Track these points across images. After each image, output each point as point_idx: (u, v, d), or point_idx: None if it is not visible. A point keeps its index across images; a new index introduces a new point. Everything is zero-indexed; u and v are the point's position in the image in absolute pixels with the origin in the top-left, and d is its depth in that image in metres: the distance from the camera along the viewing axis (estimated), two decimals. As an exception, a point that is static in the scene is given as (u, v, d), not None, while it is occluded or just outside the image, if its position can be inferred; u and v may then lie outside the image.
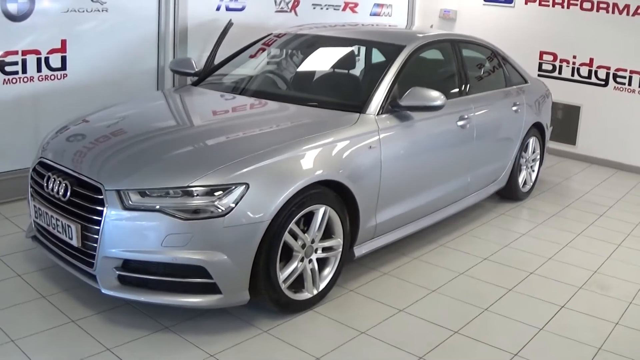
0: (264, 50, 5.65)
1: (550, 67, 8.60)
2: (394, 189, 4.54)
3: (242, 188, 3.55)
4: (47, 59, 5.74)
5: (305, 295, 4.00)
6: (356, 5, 8.71)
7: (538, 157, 6.78)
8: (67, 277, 4.08)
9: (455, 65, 5.52)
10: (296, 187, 3.71)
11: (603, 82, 8.24)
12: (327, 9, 8.31)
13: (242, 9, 7.35)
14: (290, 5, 7.86)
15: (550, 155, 8.46)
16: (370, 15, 8.99)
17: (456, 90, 5.48)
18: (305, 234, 3.87)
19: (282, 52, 5.66)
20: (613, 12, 8.05)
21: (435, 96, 4.54)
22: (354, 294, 4.33)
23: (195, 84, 5.36)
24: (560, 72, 8.53)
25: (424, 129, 4.84)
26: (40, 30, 5.61)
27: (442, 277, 4.68)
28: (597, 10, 8.12)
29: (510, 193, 6.46)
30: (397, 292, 4.40)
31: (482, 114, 5.57)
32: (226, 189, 3.53)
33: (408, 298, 4.31)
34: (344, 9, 8.54)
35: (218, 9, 7.11)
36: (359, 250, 4.42)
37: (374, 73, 4.90)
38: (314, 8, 8.15)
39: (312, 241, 3.94)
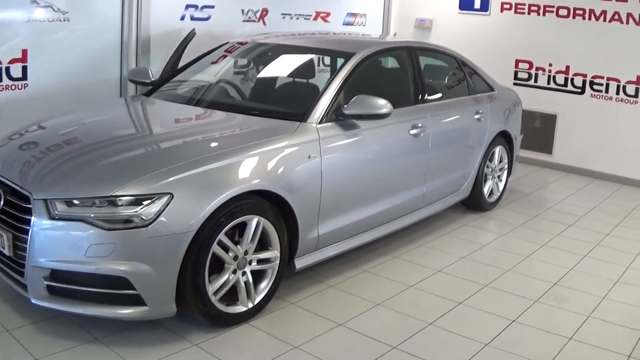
0: (220, 59, 5.53)
1: (526, 76, 8.47)
2: (337, 200, 4.40)
3: (165, 198, 3.43)
4: (7, 69, 5.66)
5: (239, 308, 3.86)
6: (328, 14, 8.60)
7: (506, 166, 6.60)
8: (7, 287, 3.95)
9: (411, 73, 5.38)
10: (223, 198, 3.58)
11: (579, 90, 8.11)
12: (297, 18, 8.20)
13: (207, 19, 7.25)
14: (258, 14, 7.75)
15: (526, 165, 8.33)
16: (344, 24, 8.89)
17: (410, 98, 5.33)
18: (238, 246, 3.75)
19: (234, 61, 5.54)
20: (589, 18, 7.93)
21: (381, 104, 4.42)
22: (294, 307, 4.18)
23: (148, 93, 5.23)
24: (536, 81, 8.39)
25: (371, 138, 4.70)
26: (0, 40, 5.53)
27: (389, 290, 4.52)
28: (574, 17, 8.00)
29: (475, 203, 6.31)
30: (340, 305, 4.25)
31: (439, 122, 5.43)
32: (150, 198, 3.41)
33: (350, 312, 4.16)
34: (315, 19, 8.44)
35: (182, 18, 7.01)
36: (300, 263, 4.27)
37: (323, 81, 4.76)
38: (284, 17, 8.04)
39: (246, 253, 3.81)
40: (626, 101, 7.75)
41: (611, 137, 7.89)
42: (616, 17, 7.72)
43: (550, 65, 8.22)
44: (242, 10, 7.60)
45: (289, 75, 5.22)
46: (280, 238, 3.98)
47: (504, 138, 6.50)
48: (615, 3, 7.70)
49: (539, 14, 8.22)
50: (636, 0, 7.55)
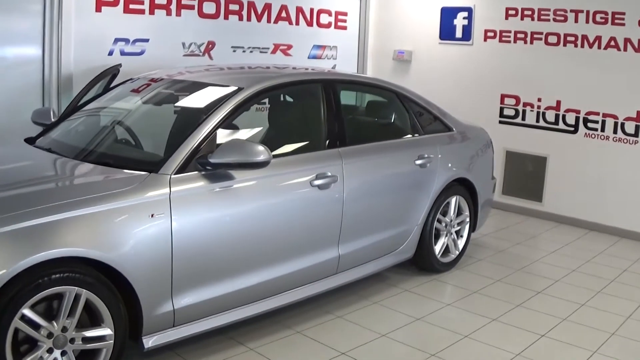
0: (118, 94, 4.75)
1: (512, 112, 7.44)
2: (201, 268, 3.59)
3: None
4: None
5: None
6: (289, 47, 7.77)
7: (467, 219, 5.56)
8: None
9: (324, 112, 4.47)
10: (20, 267, 2.88)
11: (572, 129, 7.05)
12: (251, 51, 7.39)
13: (140, 53, 6.50)
14: (202, 47, 6.96)
15: (513, 214, 7.29)
16: (309, 58, 8.03)
17: (320, 141, 4.44)
18: (54, 321, 3.07)
19: (118, 99, 4.71)
20: (582, 45, 6.90)
21: (257, 150, 3.61)
22: None
23: (38, 136, 4.48)
24: (524, 118, 7.36)
25: (251, 191, 3.86)
26: None
27: None
28: (564, 45, 6.98)
29: (424, 264, 5.29)
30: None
31: (359, 170, 4.50)
32: None
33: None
34: (273, 52, 7.61)
35: (111, 53, 6.29)
36: (152, 341, 3.49)
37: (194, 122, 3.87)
38: (234, 51, 7.25)
39: (65, 329, 3.11)
40: (625, 141, 6.66)
41: (608, 183, 6.79)
42: (612, 43, 6.68)
43: (539, 100, 7.19)
44: (184, 44, 6.84)
45: (163, 117, 4.35)
46: (114, 313, 3.26)
47: (465, 186, 5.47)
48: (610, 27, 6.67)
49: (525, 42, 7.22)
50: (634, 22, 6.48)
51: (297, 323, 4.34)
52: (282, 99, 4.84)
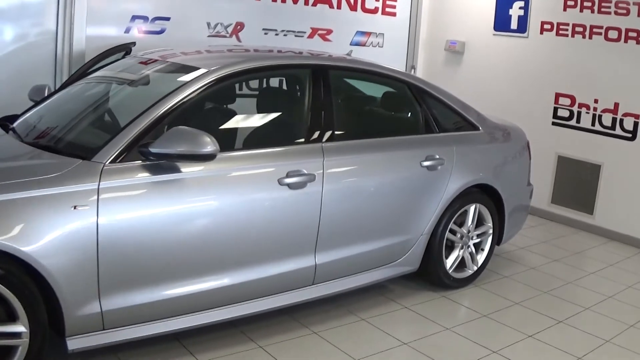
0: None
1: (567, 114, 6.69)
2: (133, 269, 3.22)
3: None
4: None
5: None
6: (329, 32, 7.26)
7: (490, 231, 4.94)
8: None
9: (307, 101, 3.97)
10: None
11: (630, 135, 6.25)
12: (285, 35, 6.93)
13: (160, 32, 6.15)
14: (230, 29, 6.55)
15: (561, 226, 6.59)
16: (352, 44, 7.49)
17: (299, 134, 3.97)
18: None
19: (98, 79, 4.36)
20: (648, 42, 6.08)
21: (203, 141, 3.20)
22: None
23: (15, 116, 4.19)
24: (578, 120, 6.60)
25: (199, 187, 3.43)
26: None
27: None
28: (626, 41, 6.18)
29: (432, 279, 4.73)
30: None
31: (346, 169, 4.00)
32: None
33: None
34: (310, 36, 7.12)
35: (127, 31, 5.98)
36: (77, 344, 3.14)
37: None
38: (266, 34, 6.80)
39: None
40: (690, 152, 5.82)
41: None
42: (683, 40, 5.82)
43: (596, 101, 6.41)
44: (209, 24, 6.44)
45: (123, 101, 3.95)
46: (30, 310, 2.95)
47: (488, 194, 4.85)
48: (681, 21, 5.82)
49: (584, 37, 6.45)
50: None
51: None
52: (265, 85, 4.35)
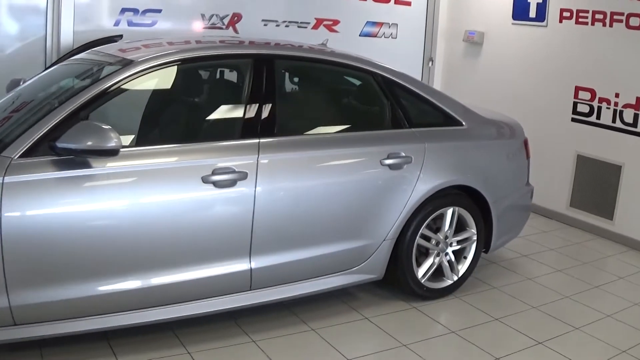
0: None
1: (586, 109, 6.13)
2: (41, 265, 3.10)
3: None
4: None
5: None
6: (335, 22, 6.91)
7: (474, 237, 4.50)
8: None
9: (245, 94, 3.66)
10: None
11: (653, 133, 5.64)
12: (286, 26, 6.62)
13: (151, 25, 5.96)
14: (226, 20, 6.29)
15: (579, 231, 6.08)
16: (361, 35, 7.12)
17: (228, 130, 3.71)
18: None
19: (58, 72, 4.17)
20: (673, 30, 5.48)
21: (107, 136, 3.03)
22: None
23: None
24: (598, 117, 6.03)
25: (108, 183, 3.23)
26: None
27: None
28: (648, 29, 5.58)
29: (402, 288, 4.34)
30: None
31: (285, 167, 3.70)
32: None
33: None
34: (315, 27, 6.78)
35: (117, 24, 5.82)
36: None
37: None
38: (266, 24, 6.52)
39: None
40: None
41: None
42: None
43: (617, 95, 5.83)
44: (203, 15, 6.19)
45: (56, 93, 3.74)
46: None
47: (473, 196, 4.42)
48: None
49: (604, 24, 5.88)
50: None
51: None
52: (208, 77, 4.05)
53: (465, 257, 4.57)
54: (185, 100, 3.95)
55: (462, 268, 4.56)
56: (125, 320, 3.34)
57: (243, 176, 3.47)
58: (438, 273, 4.47)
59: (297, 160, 3.73)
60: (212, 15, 6.27)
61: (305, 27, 6.75)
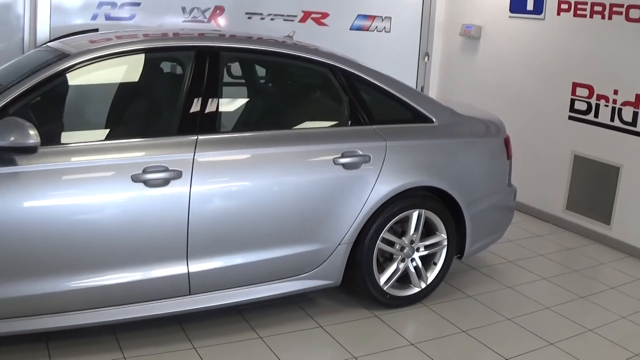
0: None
1: (584, 107, 5.77)
2: None
3: None
4: None
5: None
6: (324, 16, 6.65)
7: (444, 242, 4.21)
8: None
9: (184, 88, 3.45)
10: None
11: (653, 133, 5.27)
12: (271, 19, 6.38)
13: (130, 19, 5.78)
14: (208, 14, 6.08)
15: (575, 236, 5.75)
16: (352, 29, 6.84)
17: (162, 126, 3.54)
18: None
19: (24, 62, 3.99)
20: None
21: (26, 133, 2.89)
22: None
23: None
24: (596, 115, 5.67)
25: (31, 182, 3.07)
26: None
27: None
28: (649, 21, 5.21)
29: (362, 295, 4.08)
30: None
31: (224, 165, 3.48)
32: None
33: None
34: (302, 20, 6.53)
35: (94, 18, 5.67)
36: None
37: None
38: (249, 18, 6.30)
39: None
40: None
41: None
42: None
43: (615, 92, 5.47)
44: (184, 9, 6.00)
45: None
46: None
47: (443, 198, 4.13)
48: None
49: (603, 17, 5.52)
50: None
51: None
52: (143, 70, 3.82)
53: (435, 263, 4.26)
54: (120, 95, 3.73)
55: (432, 275, 4.26)
56: (62, 321, 3.20)
57: (177, 175, 3.26)
58: (406, 280, 4.18)
59: (237, 159, 3.50)
60: (193, 9, 6.07)
61: (292, 20, 6.51)
